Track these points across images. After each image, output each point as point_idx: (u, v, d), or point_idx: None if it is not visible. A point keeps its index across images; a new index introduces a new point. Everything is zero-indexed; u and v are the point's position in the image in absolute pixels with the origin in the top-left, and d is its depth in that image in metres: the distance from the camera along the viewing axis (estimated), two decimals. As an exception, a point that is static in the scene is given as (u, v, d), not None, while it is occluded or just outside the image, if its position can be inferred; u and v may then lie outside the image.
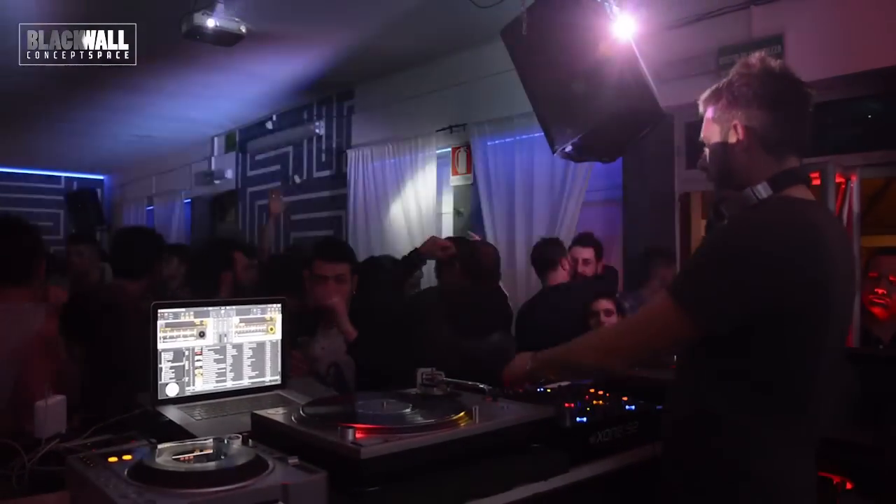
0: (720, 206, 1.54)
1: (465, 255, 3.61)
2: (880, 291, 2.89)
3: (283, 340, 2.09)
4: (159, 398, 1.85)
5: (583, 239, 4.25)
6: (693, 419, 1.50)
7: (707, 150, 1.62)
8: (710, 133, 1.60)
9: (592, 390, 2.00)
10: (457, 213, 6.13)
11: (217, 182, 9.20)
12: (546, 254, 3.99)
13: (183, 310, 1.91)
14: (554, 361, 1.71)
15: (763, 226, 1.42)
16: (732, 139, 1.53)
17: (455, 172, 6.10)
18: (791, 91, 1.52)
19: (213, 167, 9.46)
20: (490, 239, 5.39)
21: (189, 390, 1.90)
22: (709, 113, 1.60)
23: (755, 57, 1.55)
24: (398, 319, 2.77)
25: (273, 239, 5.80)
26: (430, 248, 3.58)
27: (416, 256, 3.57)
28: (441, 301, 3.13)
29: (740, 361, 1.43)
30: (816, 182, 3.42)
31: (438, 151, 6.14)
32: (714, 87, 1.59)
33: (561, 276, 3.92)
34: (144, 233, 3.30)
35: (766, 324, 1.39)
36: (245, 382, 2.01)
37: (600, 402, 1.86)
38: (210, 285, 3.47)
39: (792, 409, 1.44)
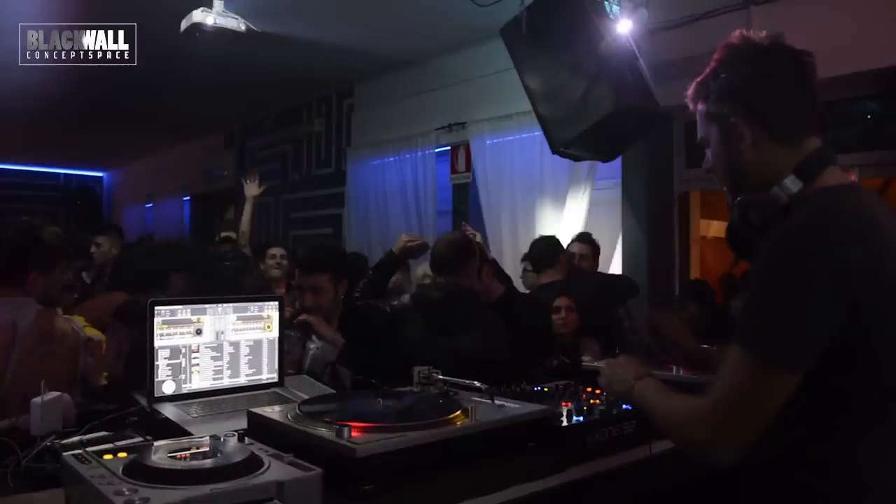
0: (748, 214, 1.31)
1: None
2: None
3: (279, 338, 2.09)
4: (156, 395, 1.85)
5: (580, 236, 4.34)
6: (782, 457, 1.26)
7: (709, 153, 1.40)
8: (708, 133, 1.37)
9: (590, 389, 2.00)
10: (456, 211, 6.13)
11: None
12: (544, 251, 4.01)
13: (180, 307, 1.90)
14: (649, 411, 1.40)
15: (816, 229, 1.19)
16: (735, 137, 1.30)
17: (455, 171, 6.10)
18: (787, 63, 1.30)
19: (212, 165, 9.45)
20: (490, 237, 5.39)
21: (186, 388, 1.90)
22: (701, 110, 1.38)
23: (735, 35, 1.34)
24: (383, 327, 2.76)
25: (251, 225, 5.31)
26: (402, 246, 3.30)
27: (390, 259, 3.34)
28: (415, 306, 3.10)
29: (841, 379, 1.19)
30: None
31: (438, 150, 6.14)
32: (698, 79, 1.38)
33: (558, 273, 3.94)
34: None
35: (850, 337, 1.16)
36: (242, 380, 2.01)
37: (597, 401, 1.86)
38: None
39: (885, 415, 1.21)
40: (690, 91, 1.41)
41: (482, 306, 3.17)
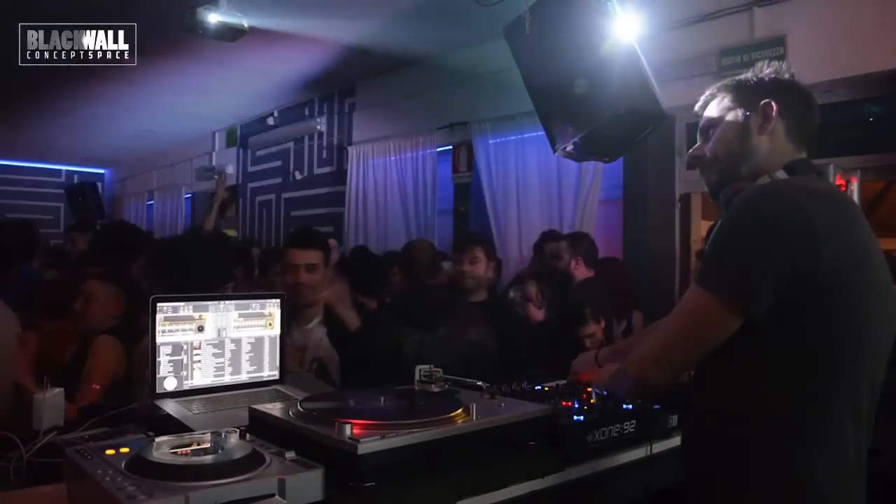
0: (735, 199, 1.39)
1: (403, 258, 3.61)
2: None
3: (281, 335, 2.09)
4: (157, 392, 1.85)
5: (553, 234, 4.36)
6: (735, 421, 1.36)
7: (714, 133, 1.51)
8: (726, 112, 1.49)
9: (590, 389, 2.00)
10: (457, 210, 6.14)
11: (218, 177, 9.20)
12: (593, 249, 4.04)
13: (182, 304, 1.91)
14: (617, 377, 1.61)
15: (783, 191, 1.33)
16: (759, 119, 1.44)
17: (456, 170, 6.11)
18: (809, 94, 1.50)
19: (213, 162, 9.45)
20: (494, 236, 5.40)
21: (187, 384, 1.90)
22: (725, 100, 1.51)
23: (773, 65, 1.51)
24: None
25: (213, 226, 5.77)
26: None
27: None
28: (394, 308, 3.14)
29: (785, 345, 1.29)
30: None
31: (440, 149, 6.14)
32: (739, 77, 1.52)
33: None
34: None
35: (802, 296, 1.26)
36: (243, 377, 2.01)
37: (595, 400, 1.86)
38: None
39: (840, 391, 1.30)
40: (725, 82, 1.53)
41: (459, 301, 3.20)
